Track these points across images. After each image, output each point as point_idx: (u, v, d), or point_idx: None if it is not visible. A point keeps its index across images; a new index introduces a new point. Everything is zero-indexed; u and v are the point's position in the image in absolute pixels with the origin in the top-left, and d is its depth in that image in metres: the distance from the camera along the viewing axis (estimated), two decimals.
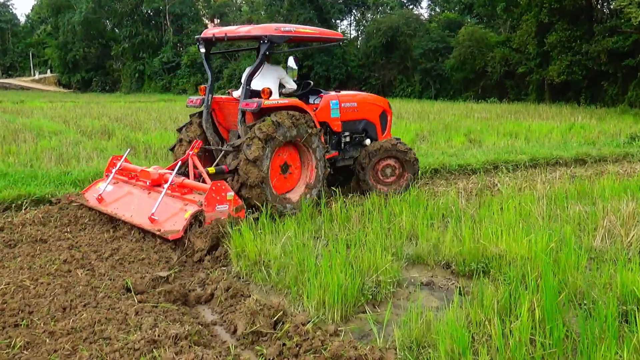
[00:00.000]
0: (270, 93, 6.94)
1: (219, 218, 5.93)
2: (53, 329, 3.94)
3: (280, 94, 7.81)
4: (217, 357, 3.63)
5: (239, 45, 9.74)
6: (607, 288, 4.33)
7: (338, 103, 7.98)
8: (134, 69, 54.55)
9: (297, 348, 3.72)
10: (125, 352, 3.63)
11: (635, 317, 3.73)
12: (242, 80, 7.35)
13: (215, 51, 8.58)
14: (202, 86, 7.58)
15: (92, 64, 58.74)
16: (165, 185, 6.32)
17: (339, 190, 7.40)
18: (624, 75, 26.96)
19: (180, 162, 6.81)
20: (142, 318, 4.10)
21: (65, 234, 6.27)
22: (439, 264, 5.37)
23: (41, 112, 22.48)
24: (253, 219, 6.06)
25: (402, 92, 40.11)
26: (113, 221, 6.63)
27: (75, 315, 4.19)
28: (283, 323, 4.03)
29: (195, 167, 6.81)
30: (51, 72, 65.67)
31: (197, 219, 5.92)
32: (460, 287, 4.77)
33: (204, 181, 6.56)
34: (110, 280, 4.90)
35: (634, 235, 5.62)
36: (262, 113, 6.77)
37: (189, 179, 6.72)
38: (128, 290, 4.69)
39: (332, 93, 8.20)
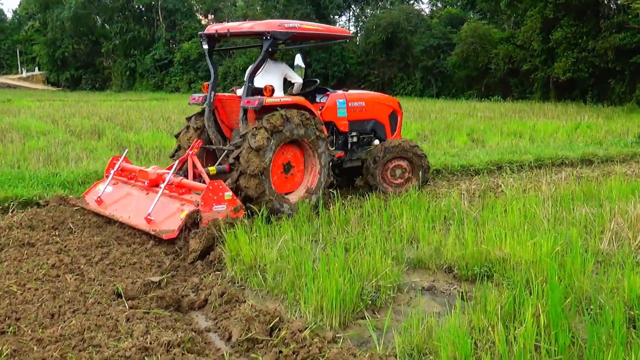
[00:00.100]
0: (273, 90, 6.96)
1: (216, 218, 5.94)
2: (41, 336, 3.93)
3: (288, 92, 7.86)
4: None
5: (246, 42, 9.77)
6: (615, 293, 4.34)
7: (345, 102, 8.02)
8: (124, 66, 54.48)
9: (294, 355, 3.72)
10: None
11: None
12: (245, 78, 7.38)
13: (219, 48, 8.62)
14: (206, 83, 7.62)
15: (81, 62, 58.65)
16: (162, 185, 6.36)
17: (337, 192, 7.40)
18: (632, 72, 26.98)
19: (178, 161, 6.87)
20: (133, 325, 4.09)
21: (54, 237, 6.25)
22: (440, 268, 5.38)
23: (29, 111, 22.47)
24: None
25: (403, 91, 40.10)
26: (102, 224, 6.64)
27: (64, 321, 4.17)
28: (279, 330, 4.03)
29: (194, 166, 6.85)
30: (39, 69, 65.58)
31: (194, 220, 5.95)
32: (462, 292, 4.77)
33: (203, 181, 6.59)
34: (101, 285, 4.90)
35: None
36: (264, 111, 6.79)
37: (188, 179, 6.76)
38: (119, 295, 4.68)
39: (340, 92, 8.24)
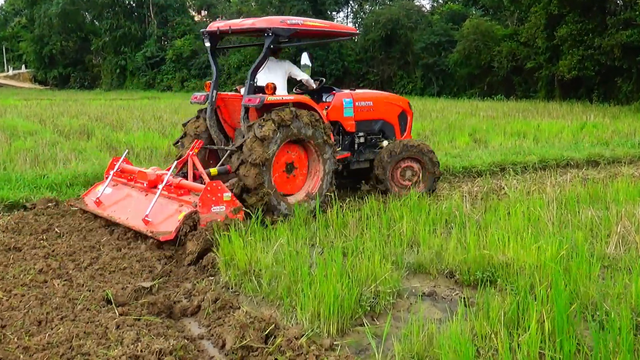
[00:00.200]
0: (275, 88, 6.97)
1: (215, 220, 5.95)
2: (27, 344, 3.91)
3: (297, 91, 7.88)
4: None
5: (249, 40, 9.81)
6: (621, 298, 4.35)
7: (352, 101, 8.05)
8: (115, 64, 54.43)
9: None
10: None
11: None
12: (247, 76, 7.41)
13: (221, 45, 8.63)
14: (208, 82, 7.64)
15: (70, 59, 58.61)
16: (160, 186, 6.37)
17: (335, 195, 7.40)
18: (639, 70, 27.07)
19: (177, 162, 6.89)
20: (123, 332, 4.08)
21: (41, 241, 6.24)
22: (441, 273, 5.38)
23: (15, 111, 22.45)
24: None
25: (403, 89, 40.15)
26: (93, 228, 6.63)
27: (52, 329, 4.16)
28: (275, 337, 4.02)
29: (195, 167, 6.87)
30: (26, 67, 65.53)
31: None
32: (464, 298, 4.78)
33: (203, 182, 6.61)
34: (90, 291, 4.88)
35: None
36: (265, 109, 6.80)
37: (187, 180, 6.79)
38: (108, 302, 4.67)
39: (346, 91, 8.26)
